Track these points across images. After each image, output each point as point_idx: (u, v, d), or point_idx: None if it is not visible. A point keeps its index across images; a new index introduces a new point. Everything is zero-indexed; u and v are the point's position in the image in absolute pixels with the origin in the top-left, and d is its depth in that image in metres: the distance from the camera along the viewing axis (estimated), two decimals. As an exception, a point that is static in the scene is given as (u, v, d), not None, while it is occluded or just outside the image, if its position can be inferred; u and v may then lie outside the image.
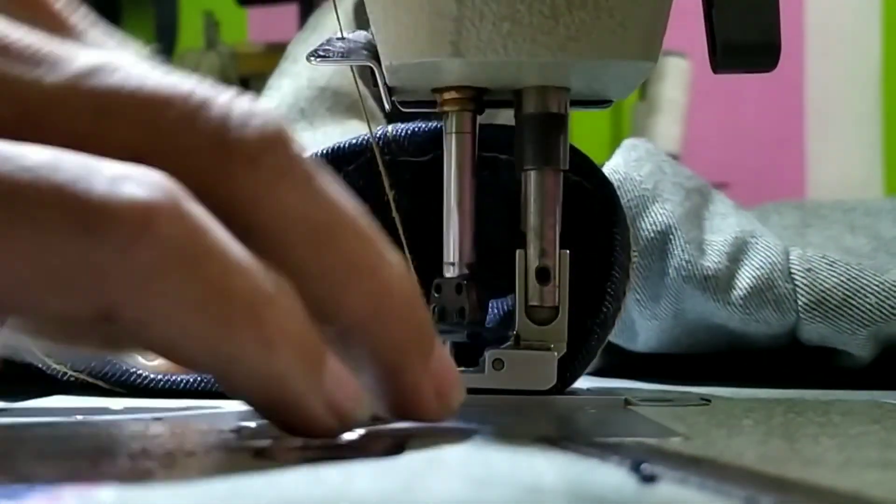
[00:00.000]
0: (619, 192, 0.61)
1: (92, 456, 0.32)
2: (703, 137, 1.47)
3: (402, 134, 0.57)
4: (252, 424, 0.39)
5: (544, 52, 0.42)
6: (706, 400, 0.49)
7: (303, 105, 0.75)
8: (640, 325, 0.64)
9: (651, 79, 1.50)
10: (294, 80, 0.76)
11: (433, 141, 0.55)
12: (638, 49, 0.43)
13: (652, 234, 0.62)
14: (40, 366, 0.53)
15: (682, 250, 0.61)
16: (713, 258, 0.61)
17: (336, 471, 0.30)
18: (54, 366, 0.51)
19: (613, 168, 0.63)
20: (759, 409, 0.47)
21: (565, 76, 0.44)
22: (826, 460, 0.35)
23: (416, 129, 0.55)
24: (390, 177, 0.53)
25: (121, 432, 0.39)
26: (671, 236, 0.61)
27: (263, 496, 0.27)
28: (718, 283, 0.61)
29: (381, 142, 0.56)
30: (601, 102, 0.49)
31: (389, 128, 0.55)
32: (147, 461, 0.31)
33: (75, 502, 0.26)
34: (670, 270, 0.61)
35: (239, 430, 0.38)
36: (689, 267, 0.61)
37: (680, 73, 1.57)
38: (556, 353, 0.46)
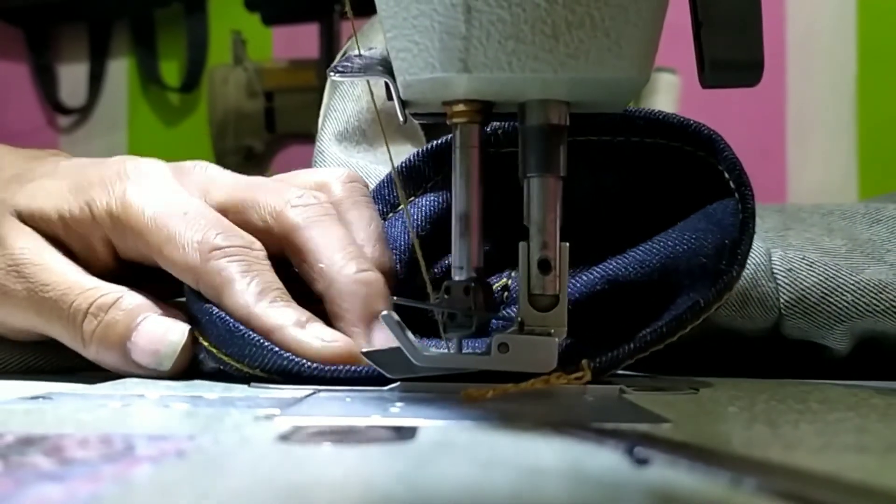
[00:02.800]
0: None
1: (129, 438, 0.32)
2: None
3: (508, 128, 0.58)
4: (277, 411, 0.39)
5: (546, 68, 0.42)
6: (694, 389, 0.49)
7: (364, 127, 0.75)
8: None
9: (644, 93, 1.50)
10: (356, 103, 0.76)
11: (613, 123, 0.57)
12: (632, 66, 0.42)
13: None
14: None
15: None
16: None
17: (352, 453, 0.30)
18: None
19: None
20: (743, 398, 0.47)
21: (565, 90, 0.44)
22: (805, 445, 0.35)
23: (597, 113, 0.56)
24: (493, 169, 0.54)
25: (149, 416, 0.39)
26: None
27: (284, 476, 0.27)
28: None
29: (490, 136, 0.58)
30: (598, 115, 0.49)
31: (496, 123, 0.55)
32: (176, 444, 0.31)
33: (113, 482, 0.26)
34: None
35: (268, 417, 0.38)
36: None
37: (671, 87, 1.56)
38: (556, 339, 0.46)
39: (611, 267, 0.55)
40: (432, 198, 0.61)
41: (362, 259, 0.54)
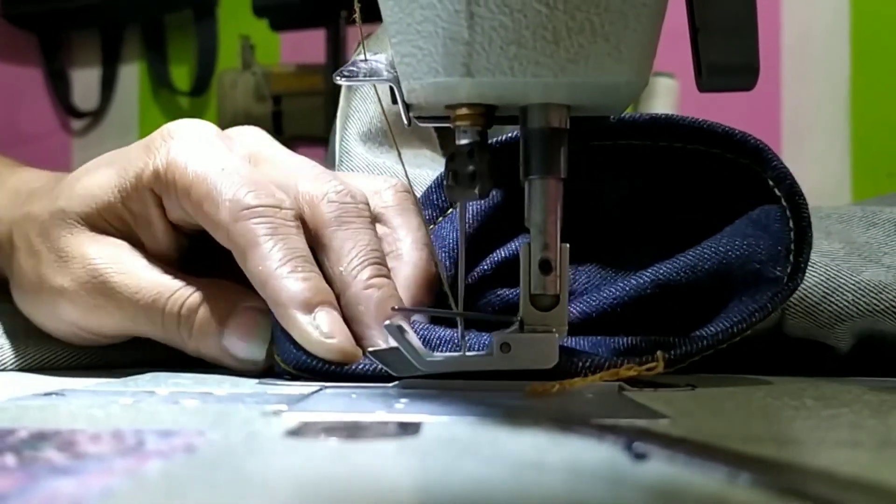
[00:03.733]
0: None
1: (140, 434, 0.32)
2: (690, 150, 1.46)
3: (627, 119, 0.59)
4: (285, 407, 0.39)
5: (547, 72, 0.42)
6: (692, 385, 0.49)
7: (386, 129, 0.76)
8: None
9: (643, 97, 1.50)
10: (377, 105, 0.76)
11: (656, 128, 0.58)
12: (631, 70, 0.42)
13: None
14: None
15: None
16: None
17: (358, 448, 0.30)
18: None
19: None
20: (740, 394, 0.47)
21: (566, 94, 0.44)
22: (800, 440, 0.35)
23: (637, 116, 0.58)
24: (610, 160, 0.58)
25: (161, 412, 0.39)
26: None
27: (292, 471, 0.27)
28: None
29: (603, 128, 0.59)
30: (598, 118, 0.49)
31: (611, 116, 0.56)
32: (186, 439, 0.31)
33: (124, 477, 0.26)
34: None
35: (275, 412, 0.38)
36: None
37: (669, 91, 1.56)
38: (557, 335, 0.46)
39: (661, 272, 0.56)
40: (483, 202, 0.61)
41: (382, 266, 0.54)
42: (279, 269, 0.51)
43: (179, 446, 0.30)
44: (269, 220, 0.53)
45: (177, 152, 0.56)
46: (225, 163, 0.55)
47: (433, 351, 0.49)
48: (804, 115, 1.81)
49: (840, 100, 1.79)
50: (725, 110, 1.77)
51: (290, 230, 0.53)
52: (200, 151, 0.56)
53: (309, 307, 0.51)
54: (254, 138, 0.60)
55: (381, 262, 0.54)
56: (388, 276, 0.54)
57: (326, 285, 0.52)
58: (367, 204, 0.57)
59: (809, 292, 0.61)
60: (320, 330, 0.50)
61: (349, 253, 0.54)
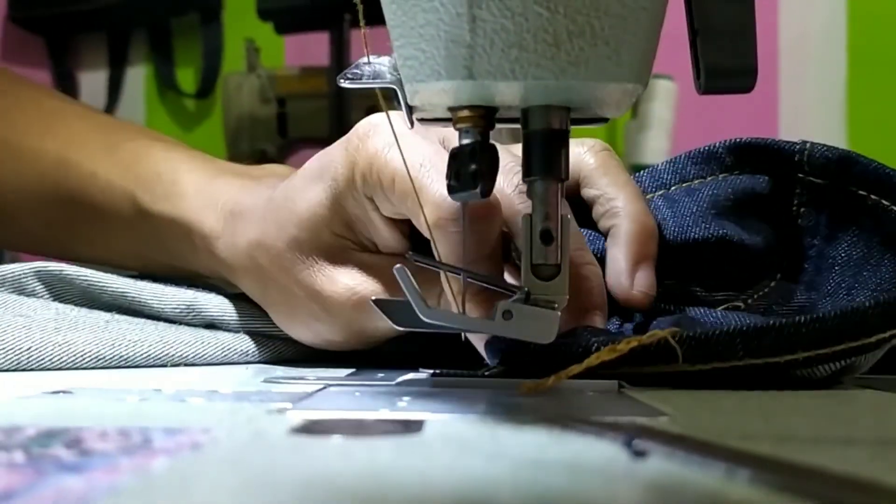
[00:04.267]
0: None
1: (146, 432, 0.32)
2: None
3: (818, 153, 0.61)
4: (289, 405, 0.39)
5: (548, 75, 0.42)
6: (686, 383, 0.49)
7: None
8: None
9: (642, 99, 1.50)
10: None
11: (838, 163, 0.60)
12: (630, 73, 0.42)
13: None
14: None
15: None
16: None
17: (362, 445, 0.31)
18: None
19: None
20: (738, 393, 0.47)
21: (566, 97, 0.44)
22: (797, 437, 0.35)
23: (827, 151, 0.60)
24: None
25: (164, 407, 0.39)
26: None
27: (296, 468, 0.27)
28: None
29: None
30: (598, 120, 0.49)
31: (807, 145, 0.55)
32: (192, 437, 0.32)
33: (131, 474, 0.26)
34: None
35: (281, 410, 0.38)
36: None
37: (668, 93, 1.56)
38: (559, 312, 0.46)
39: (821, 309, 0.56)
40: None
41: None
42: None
43: (185, 444, 0.30)
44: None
45: (375, 149, 0.55)
46: (423, 157, 0.54)
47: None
48: (801, 117, 1.81)
49: (836, 101, 1.79)
50: (723, 112, 1.78)
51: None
52: (399, 145, 0.53)
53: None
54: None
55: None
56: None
57: None
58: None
59: None
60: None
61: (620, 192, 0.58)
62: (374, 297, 0.49)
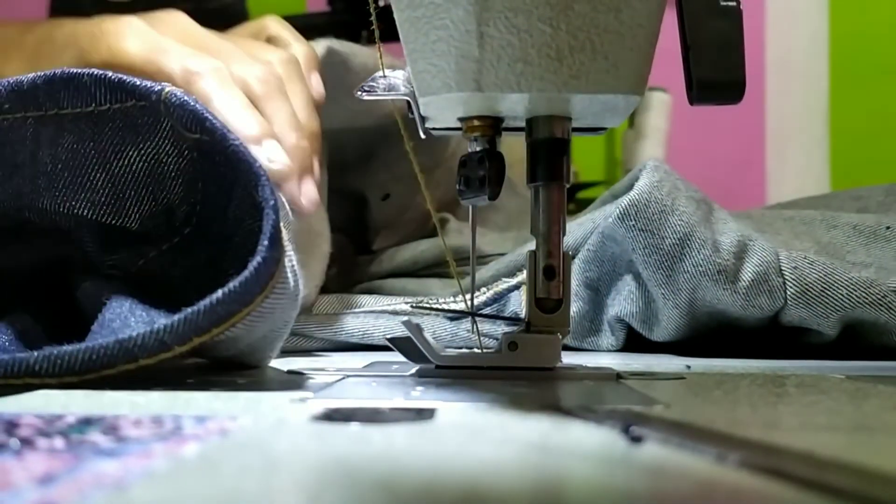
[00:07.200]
0: (645, 208, 0.64)
1: (178, 419, 0.32)
2: (682, 159, 1.47)
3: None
4: (310, 394, 0.39)
5: (551, 87, 0.42)
6: (683, 377, 0.49)
7: None
8: (664, 313, 0.67)
9: (638, 109, 1.50)
10: None
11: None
12: (628, 85, 0.42)
13: (673, 241, 0.64)
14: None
15: (699, 250, 0.64)
16: (723, 255, 0.64)
17: (378, 432, 0.30)
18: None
19: (639, 189, 0.65)
20: (728, 382, 0.47)
21: (568, 108, 0.44)
22: (783, 424, 0.35)
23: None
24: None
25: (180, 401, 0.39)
26: (689, 239, 0.64)
27: (317, 453, 0.27)
28: (727, 276, 0.64)
29: None
30: (597, 129, 0.49)
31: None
32: (220, 424, 0.32)
33: (164, 459, 0.26)
34: (689, 266, 0.64)
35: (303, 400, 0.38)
36: (706, 263, 0.64)
37: (663, 105, 1.56)
38: (560, 336, 0.46)
39: None
40: None
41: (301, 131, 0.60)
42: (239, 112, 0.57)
43: (214, 430, 0.30)
44: (216, 77, 0.58)
45: (120, 41, 0.60)
46: (165, 44, 0.60)
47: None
48: (787, 127, 1.81)
49: (820, 113, 1.79)
50: (714, 122, 1.78)
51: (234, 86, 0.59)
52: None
53: (257, 140, 0.56)
54: (182, 23, 0.64)
55: (300, 127, 0.60)
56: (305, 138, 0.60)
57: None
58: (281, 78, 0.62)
59: (811, 287, 0.63)
60: (268, 158, 0.55)
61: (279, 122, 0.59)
62: (389, 337, 0.49)
